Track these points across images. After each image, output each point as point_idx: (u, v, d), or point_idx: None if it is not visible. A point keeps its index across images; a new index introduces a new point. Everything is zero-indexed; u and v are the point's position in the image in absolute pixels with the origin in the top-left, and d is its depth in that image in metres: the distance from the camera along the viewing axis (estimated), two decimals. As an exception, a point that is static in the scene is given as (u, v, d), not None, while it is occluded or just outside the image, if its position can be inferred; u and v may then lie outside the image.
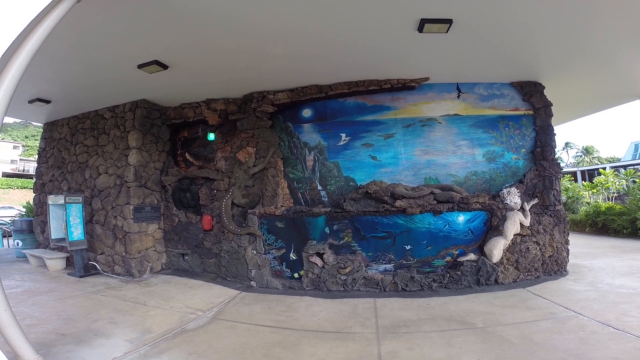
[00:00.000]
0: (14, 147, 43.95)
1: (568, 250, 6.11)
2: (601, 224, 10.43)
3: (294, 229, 6.13)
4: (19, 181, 33.91)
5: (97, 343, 3.70)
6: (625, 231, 9.55)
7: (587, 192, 13.52)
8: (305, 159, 6.64)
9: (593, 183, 13.82)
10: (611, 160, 35.84)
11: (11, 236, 10.87)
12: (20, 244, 9.01)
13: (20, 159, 43.07)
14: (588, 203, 12.56)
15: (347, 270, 5.66)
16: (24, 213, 12.56)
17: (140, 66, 5.41)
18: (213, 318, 4.56)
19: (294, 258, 6.06)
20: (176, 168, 7.75)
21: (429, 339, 3.71)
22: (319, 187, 6.51)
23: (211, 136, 7.43)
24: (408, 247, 5.81)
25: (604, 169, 16.55)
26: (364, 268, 5.72)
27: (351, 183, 6.38)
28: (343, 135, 6.53)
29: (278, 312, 4.76)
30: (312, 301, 5.24)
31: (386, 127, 6.46)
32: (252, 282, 6.11)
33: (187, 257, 7.42)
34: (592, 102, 8.75)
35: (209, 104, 7.27)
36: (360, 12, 4.12)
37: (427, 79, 6.29)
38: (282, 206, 6.31)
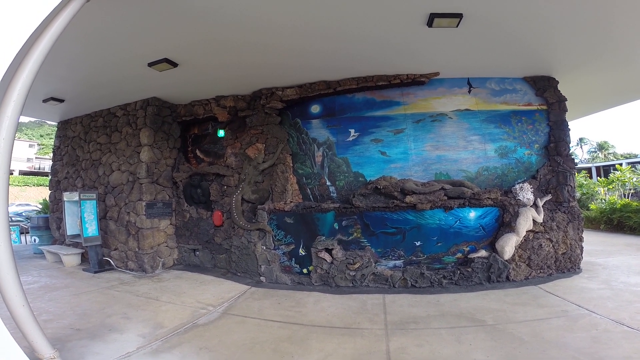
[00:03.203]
0: (30, 146, 44.96)
1: (582, 247, 5.99)
2: (617, 221, 10.19)
3: (303, 224, 6.14)
4: (35, 179, 34.71)
5: (111, 338, 3.78)
6: (641, 228, 9.33)
7: (602, 189, 13.22)
8: (314, 154, 6.64)
9: (609, 179, 13.51)
10: (627, 156, 34.93)
11: (28, 233, 11.13)
12: (37, 240, 9.23)
13: (35, 157, 44.06)
14: (603, 200, 12.29)
15: (356, 266, 5.66)
16: (40, 210, 12.84)
17: (150, 64, 5.46)
18: (223, 313, 4.61)
19: (303, 254, 6.09)
20: (187, 164, 7.83)
21: (438, 336, 3.69)
22: (328, 183, 6.51)
23: (221, 133, 7.48)
24: (418, 243, 5.78)
25: (620, 164, 16.14)
26: (373, 264, 5.71)
27: (360, 179, 6.36)
28: (352, 130, 6.51)
29: (287, 308, 4.80)
30: (320, 297, 5.26)
31: (396, 123, 6.42)
32: (261, 278, 6.16)
33: (198, 253, 7.51)
34: (608, 98, 8.55)
35: (218, 100, 7.32)
36: (369, 6, 4.09)
37: (437, 73, 6.22)
38: (291, 202, 6.33)
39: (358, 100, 6.58)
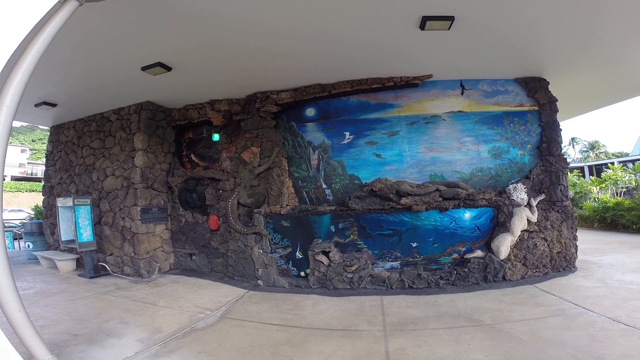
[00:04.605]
0: (22, 151, 44.42)
1: (576, 246, 6.06)
2: (610, 220, 10.32)
3: (300, 227, 6.14)
4: (27, 184, 34.33)
5: (109, 343, 3.75)
6: (634, 226, 9.44)
7: (595, 188, 13.38)
8: (310, 157, 6.65)
9: (601, 178, 13.68)
10: (619, 155, 35.41)
11: (22, 239, 11.01)
12: (31, 246, 9.12)
13: (28, 163, 43.56)
14: (596, 198, 12.43)
15: (353, 268, 5.66)
16: (32, 216, 12.70)
17: (144, 68, 5.45)
18: (221, 317, 4.59)
19: (300, 257, 6.08)
20: (182, 169, 7.80)
21: (436, 336, 3.71)
22: (324, 186, 6.53)
23: (216, 137, 7.47)
24: (414, 245, 5.80)
25: (612, 163, 16.35)
26: (370, 266, 5.72)
27: (356, 181, 6.38)
28: (347, 133, 6.53)
29: (285, 311, 4.79)
30: (318, 299, 5.26)
31: (390, 125, 6.45)
32: (259, 281, 6.14)
33: (194, 257, 7.48)
34: (598, 97, 8.67)
35: (213, 104, 7.31)
36: (361, 10, 4.12)
37: (430, 76, 6.27)
38: (287, 205, 6.33)
39: (353, 103, 6.61)
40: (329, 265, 5.79)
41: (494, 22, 4.55)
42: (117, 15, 3.94)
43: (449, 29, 4.56)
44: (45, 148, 10.00)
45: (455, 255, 5.77)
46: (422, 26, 4.48)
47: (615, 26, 4.76)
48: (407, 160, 6.34)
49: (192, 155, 7.96)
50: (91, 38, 4.45)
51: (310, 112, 6.79)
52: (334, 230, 6.01)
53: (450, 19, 4.35)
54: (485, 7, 4.19)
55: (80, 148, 8.30)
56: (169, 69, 5.52)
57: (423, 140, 6.39)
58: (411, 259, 5.79)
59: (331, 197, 6.46)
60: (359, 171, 6.42)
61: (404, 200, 5.63)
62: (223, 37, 4.64)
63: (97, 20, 4.00)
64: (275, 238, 6.27)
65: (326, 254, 5.86)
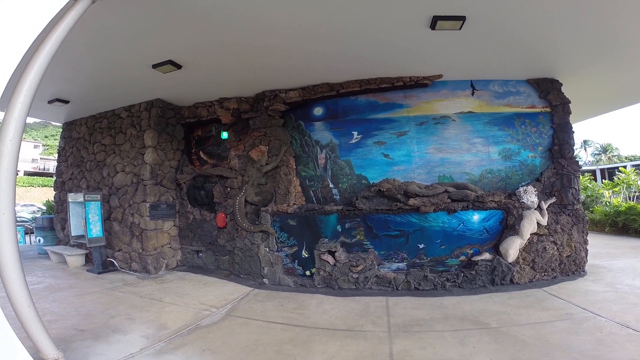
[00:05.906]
0: (35, 147, 45.27)
1: (587, 250, 5.96)
2: (621, 224, 10.12)
3: (306, 226, 6.14)
4: (39, 179, 34.91)
5: (115, 339, 3.79)
6: (646, 231, 9.26)
7: (607, 191, 13.14)
8: (317, 157, 6.65)
9: (614, 182, 13.42)
10: (632, 158, 34.73)
11: (33, 233, 11.20)
12: (42, 240, 9.28)
13: (40, 158, 44.35)
14: (608, 202, 12.21)
15: (359, 268, 5.65)
16: (45, 210, 12.91)
17: (154, 66, 5.49)
18: (226, 315, 4.62)
19: (306, 256, 6.08)
20: (191, 166, 7.86)
21: (441, 339, 3.68)
22: (331, 185, 6.52)
23: (224, 135, 7.51)
24: (421, 246, 5.77)
25: (625, 167, 16.06)
26: (376, 266, 5.70)
27: (363, 181, 6.36)
28: (355, 133, 6.51)
29: (290, 310, 4.80)
30: (323, 299, 5.25)
31: (399, 125, 6.42)
32: (264, 280, 6.16)
33: (201, 254, 7.53)
34: (612, 100, 8.50)
35: (222, 103, 7.34)
36: (372, 9, 4.10)
37: (440, 76, 6.22)
38: (294, 204, 6.34)
39: (361, 102, 6.59)
40: (335, 265, 5.78)
41: (506, 22, 4.49)
42: (129, 13, 3.99)
43: (460, 28, 4.52)
44: (57, 144, 10.17)
45: (462, 258, 5.72)
46: (433, 26, 4.44)
47: (631, 27, 4.66)
48: (415, 161, 6.30)
49: (200, 153, 8.01)
50: (103, 36, 4.50)
51: (318, 111, 6.78)
52: (340, 230, 6.00)
53: (462, 18, 4.30)
54: (497, 7, 4.14)
55: (91, 144, 8.41)
56: (179, 67, 5.56)
57: (432, 140, 6.35)
58: (418, 261, 5.76)
59: (338, 197, 6.45)
60: (366, 171, 6.40)
61: (411, 201, 5.60)
62: (233, 36, 4.66)
63: (109, 18, 4.04)
64: (281, 237, 6.28)
65: (332, 253, 5.86)
